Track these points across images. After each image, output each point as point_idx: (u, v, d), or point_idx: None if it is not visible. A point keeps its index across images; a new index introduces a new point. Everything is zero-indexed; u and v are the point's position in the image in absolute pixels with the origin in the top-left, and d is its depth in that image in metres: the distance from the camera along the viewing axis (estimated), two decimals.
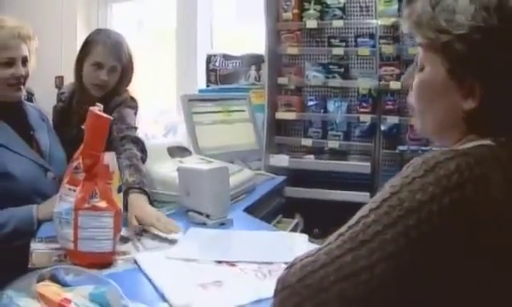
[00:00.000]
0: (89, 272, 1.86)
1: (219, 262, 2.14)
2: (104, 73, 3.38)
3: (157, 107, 6.00)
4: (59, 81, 6.39)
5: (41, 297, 1.62)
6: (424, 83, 1.45)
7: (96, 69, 3.38)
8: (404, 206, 1.22)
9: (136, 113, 3.48)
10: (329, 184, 4.94)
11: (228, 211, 2.73)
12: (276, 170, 4.57)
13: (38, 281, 1.70)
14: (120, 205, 2.22)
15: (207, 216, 2.67)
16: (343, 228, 1.31)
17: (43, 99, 4.56)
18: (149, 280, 2.00)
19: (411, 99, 1.49)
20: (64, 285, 1.77)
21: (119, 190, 2.36)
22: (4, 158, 2.88)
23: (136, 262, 2.17)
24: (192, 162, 3.19)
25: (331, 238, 1.32)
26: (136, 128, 3.31)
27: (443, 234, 1.19)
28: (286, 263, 2.02)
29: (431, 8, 1.40)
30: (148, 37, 6.45)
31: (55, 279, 1.78)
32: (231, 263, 2.12)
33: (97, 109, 2.23)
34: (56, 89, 5.78)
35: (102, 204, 2.13)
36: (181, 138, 4.21)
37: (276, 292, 1.36)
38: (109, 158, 2.20)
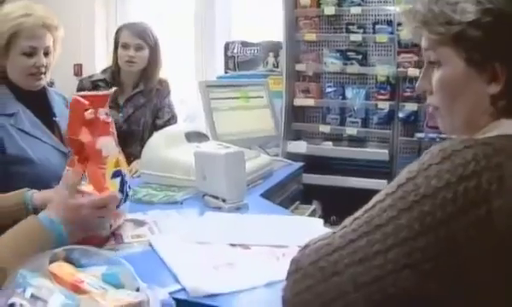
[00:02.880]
0: (102, 253, 1.86)
1: (233, 245, 2.14)
2: (132, 51, 4.34)
3: (177, 94, 6.01)
4: (78, 69, 6.44)
5: (54, 277, 1.61)
6: (445, 81, 1.44)
7: (125, 49, 4.36)
8: (420, 192, 1.22)
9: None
10: (347, 171, 4.97)
11: (244, 195, 2.72)
12: (294, 157, 4.58)
13: (52, 262, 1.70)
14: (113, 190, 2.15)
15: (223, 200, 2.67)
16: (359, 212, 1.32)
17: (63, 86, 4.60)
18: (163, 262, 2.00)
19: (433, 100, 1.48)
20: (78, 266, 1.77)
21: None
22: (25, 143, 2.93)
23: (150, 244, 2.18)
24: (209, 147, 3.19)
25: (347, 221, 1.33)
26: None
27: (457, 221, 1.18)
28: (300, 246, 2.06)
29: (434, 3, 1.40)
30: (167, 26, 6.44)
31: (68, 259, 1.78)
32: (245, 246, 2.12)
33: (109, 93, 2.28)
34: (75, 77, 5.88)
35: (88, 188, 2.11)
36: (200, 125, 4.22)
37: (290, 273, 1.37)
38: (104, 142, 2.18)
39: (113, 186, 2.14)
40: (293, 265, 1.36)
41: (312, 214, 3.80)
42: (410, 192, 1.23)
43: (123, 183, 2.20)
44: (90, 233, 2.05)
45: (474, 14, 1.33)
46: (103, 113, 2.21)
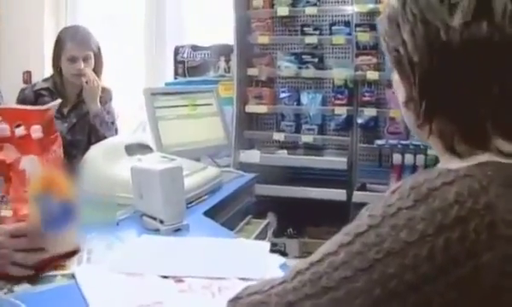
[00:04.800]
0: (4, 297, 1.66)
1: (165, 276, 1.91)
2: (80, 64, 4.07)
3: (127, 103, 5.83)
4: (27, 76, 6.23)
5: None
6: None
7: (72, 62, 4.08)
8: (384, 247, 0.97)
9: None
10: (304, 181, 4.84)
11: (183, 215, 2.50)
12: (247, 167, 4.39)
13: None
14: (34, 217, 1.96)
15: (161, 221, 2.44)
16: (303, 264, 1.06)
17: (11, 96, 4.39)
18: (85, 301, 1.77)
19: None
20: None
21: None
22: None
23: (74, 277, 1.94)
24: (151, 160, 2.99)
25: (288, 274, 1.08)
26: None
27: (433, 284, 0.94)
28: (240, 278, 1.84)
29: None
30: (116, 30, 6.29)
31: None
32: (179, 279, 1.90)
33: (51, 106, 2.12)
34: (24, 85, 5.67)
35: (7, 212, 1.93)
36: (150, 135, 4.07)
37: None
38: (27, 162, 1.99)
39: (32, 210, 1.90)
40: None
41: (265, 229, 3.62)
42: (370, 246, 0.98)
43: (51, 209, 1.95)
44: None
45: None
46: (38, 131, 2.02)
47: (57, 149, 2.12)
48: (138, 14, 6.21)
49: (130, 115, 5.41)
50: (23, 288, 1.83)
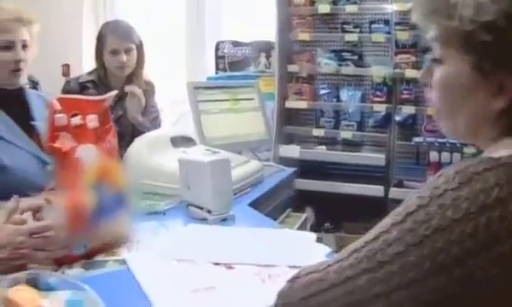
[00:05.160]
0: (67, 276, 1.71)
1: (216, 263, 1.97)
2: (123, 56, 4.08)
3: (168, 96, 5.89)
4: (66, 69, 6.32)
5: (11, 303, 1.47)
6: (446, 83, 1.25)
7: (114, 55, 4.09)
8: (432, 224, 1.04)
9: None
10: (342, 176, 4.86)
11: (230, 205, 2.56)
12: (286, 162, 4.45)
13: (11, 286, 1.55)
14: (87, 203, 1.98)
15: (208, 211, 2.51)
16: (358, 244, 1.13)
17: (50, 88, 4.47)
18: (138, 285, 1.84)
19: (433, 98, 1.30)
20: (42, 289, 1.61)
21: None
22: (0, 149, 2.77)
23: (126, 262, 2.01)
24: (196, 153, 3.04)
25: (343, 253, 1.14)
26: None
27: (475, 259, 1.00)
28: (289, 266, 1.90)
29: None
30: (156, 25, 6.33)
31: (32, 282, 1.63)
32: (229, 266, 1.96)
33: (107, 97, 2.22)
34: (63, 78, 5.75)
35: (55, 199, 1.99)
36: (191, 129, 4.10)
37: None
38: (84, 151, 2.04)
39: (88, 198, 1.95)
40: (280, 300, 1.21)
41: (305, 222, 3.66)
42: (420, 223, 1.05)
43: (105, 197, 2.00)
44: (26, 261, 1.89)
45: (492, 14, 1.13)
46: (94, 121, 2.08)
47: (112, 139, 2.18)
48: (177, 11, 6.27)
49: (168, 109, 5.46)
50: (75, 272, 1.89)
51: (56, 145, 2.04)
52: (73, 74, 5.86)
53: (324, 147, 4.97)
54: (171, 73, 6.15)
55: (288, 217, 3.60)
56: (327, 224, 4.05)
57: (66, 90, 4.19)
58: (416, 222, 1.06)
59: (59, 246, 1.93)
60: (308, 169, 4.64)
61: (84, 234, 1.98)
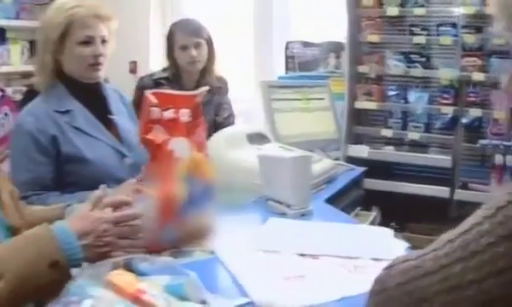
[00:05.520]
0: (165, 261, 1.79)
1: (302, 254, 2.05)
2: (192, 51, 4.20)
3: (234, 94, 5.97)
4: (133, 66, 6.43)
5: (113, 287, 1.55)
6: None
7: (184, 50, 4.22)
8: None
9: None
10: (407, 177, 4.89)
11: (309, 201, 2.64)
12: (354, 161, 4.47)
13: (111, 270, 1.63)
14: (178, 195, 2.05)
15: (288, 206, 2.59)
16: (452, 235, 1.18)
17: (118, 84, 4.57)
18: (227, 272, 1.94)
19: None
20: (139, 274, 1.70)
21: None
22: (80, 142, 2.89)
23: (213, 253, 2.11)
24: (271, 150, 3.11)
25: (438, 243, 1.21)
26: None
27: None
28: (372, 258, 1.97)
29: None
30: (221, 24, 6.39)
31: (128, 267, 1.72)
32: (314, 256, 2.04)
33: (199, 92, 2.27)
34: (130, 75, 5.87)
35: (145, 189, 2.07)
36: (258, 126, 4.17)
37: (373, 293, 1.27)
38: (176, 144, 2.13)
39: (180, 190, 2.04)
40: (378, 285, 1.26)
41: (374, 221, 3.71)
42: (510, 217, 1.10)
43: (195, 189, 2.08)
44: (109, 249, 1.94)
45: None
46: (186, 115, 2.16)
47: (202, 133, 2.26)
48: (245, 11, 6.31)
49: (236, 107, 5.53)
50: (164, 260, 1.92)
51: (149, 137, 2.11)
52: (140, 71, 6.00)
53: (392, 147, 5.00)
54: (238, 73, 6.18)
55: (358, 215, 3.66)
56: (392, 224, 4.08)
57: (140, 86, 4.31)
58: (506, 216, 1.10)
59: (145, 234, 2.00)
60: (375, 169, 4.64)
61: (173, 225, 2.05)
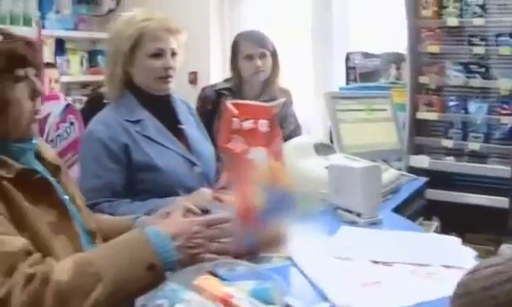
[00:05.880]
0: (249, 266, 1.85)
1: (375, 262, 2.12)
2: (257, 61, 4.18)
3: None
4: (193, 76, 6.52)
5: (202, 291, 1.61)
6: None
7: (249, 60, 4.20)
8: None
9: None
10: (467, 187, 4.88)
11: (379, 210, 2.72)
12: (415, 171, 4.51)
13: (198, 275, 1.70)
14: (258, 203, 2.11)
15: (358, 214, 2.67)
16: None
17: (178, 92, 4.66)
18: (306, 278, 2.01)
19: None
20: (222, 279, 1.77)
21: None
22: (151, 150, 2.95)
23: (290, 259, 2.17)
24: (338, 160, 3.16)
25: None
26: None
27: None
28: (443, 266, 2.03)
29: None
30: (281, 35, 6.42)
31: (213, 272, 1.79)
32: (387, 264, 2.11)
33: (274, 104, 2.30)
34: (190, 85, 5.95)
35: (225, 197, 2.14)
36: (318, 137, 4.23)
37: (456, 296, 1.31)
38: (256, 153, 2.19)
39: (259, 198, 2.10)
40: (461, 288, 1.31)
41: (436, 230, 3.75)
42: None
43: (274, 198, 2.15)
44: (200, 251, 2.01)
45: None
46: (264, 125, 2.22)
47: (279, 143, 2.33)
48: (304, 22, 6.35)
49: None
50: (248, 266, 1.97)
51: (229, 146, 2.18)
52: (201, 82, 6.08)
53: (452, 157, 5.02)
54: (296, 84, 6.20)
55: (421, 224, 3.69)
56: (453, 234, 4.09)
57: (202, 97, 4.36)
58: None
59: (232, 239, 2.07)
60: (435, 179, 4.65)
61: (252, 232, 2.11)
